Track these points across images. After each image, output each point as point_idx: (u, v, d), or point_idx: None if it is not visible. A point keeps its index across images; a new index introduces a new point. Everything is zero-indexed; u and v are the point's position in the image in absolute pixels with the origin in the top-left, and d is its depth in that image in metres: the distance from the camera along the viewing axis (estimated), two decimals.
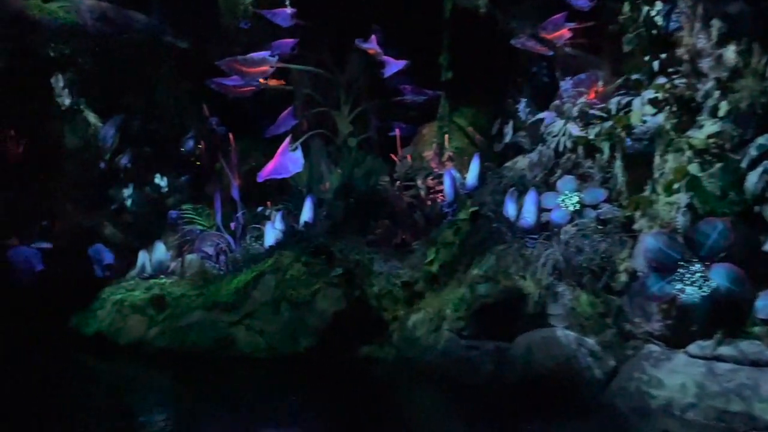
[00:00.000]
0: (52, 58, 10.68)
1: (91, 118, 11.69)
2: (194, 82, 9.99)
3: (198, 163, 11.43)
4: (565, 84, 6.07)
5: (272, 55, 7.30)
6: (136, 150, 11.83)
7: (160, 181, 11.77)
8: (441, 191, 6.91)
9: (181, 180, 11.93)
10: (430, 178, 6.96)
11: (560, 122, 5.65)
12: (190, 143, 11.92)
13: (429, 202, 6.88)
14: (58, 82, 11.10)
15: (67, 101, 11.38)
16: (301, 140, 7.59)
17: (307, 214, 6.79)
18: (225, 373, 5.96)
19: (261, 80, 7.79)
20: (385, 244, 6.50)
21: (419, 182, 6.96)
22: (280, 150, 7.45)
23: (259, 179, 7.37)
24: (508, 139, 6.43)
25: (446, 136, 7.32)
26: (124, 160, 11.81)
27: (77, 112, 11.56)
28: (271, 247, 6.75)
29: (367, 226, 6.58)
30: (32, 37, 9.18)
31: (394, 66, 7.40)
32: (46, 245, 8.85)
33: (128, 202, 11.75)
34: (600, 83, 6.02)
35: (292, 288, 6.15)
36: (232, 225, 7.45)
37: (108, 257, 8.41)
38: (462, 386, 5.16)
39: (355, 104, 8.02)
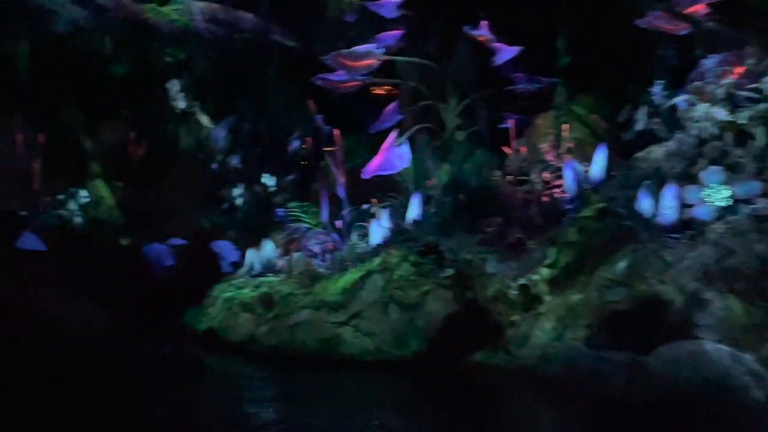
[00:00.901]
0: (168, 63, 11.00)
1: (204, 120, 12.00)
2: (300, 80, 9.90)
3: (304, 161, 11.47)
4: (708, 63, 5.27)
5: (378, 48, 6.93)
6: (246, 151, 12.07)
7: (269, 180, 11.95)
8: (559, 186, 6.27)
9: (287, 179, 12.03)
10: (547, 171, 6.33)
11: (703, 106, 4.88)
12: (296, 143, 11.99)
13: (546, 198, 6.26)
14: (173, 86, 11.45)
15: (182, 105, 11.72)
16: (406, 135, 7.20)
17: (414, 211, 6.39)
18: (333, 374, 5.68)
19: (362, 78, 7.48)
20: (498, 243, 5.97)
21: (534, 176, 6.36)
22: (385, 145, 7.11)
23: (365, 176, 7.07)
24: (640, 126, 5.69)
25: (564, 125, 6.66)
26: (234, 161, 12.07)
27: (191, 115, 11.89)
28: (377, 245, 6.41)
29: (479, 224, 6.06)
30: (150, 41, 9.38)
31: (506, 53, 6.85)
32: (181, 242, 9.02)
33: (238, 201, 11.99)
34: (749, 61, 5.18)
35: (400, 289, 5.78)
36: (338, 223, 7.19)
37: (233, 254, 8.40)
38: (589, 402, 4.55)
39: (463, 96, 7.52)
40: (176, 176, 11.98)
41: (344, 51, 6.80)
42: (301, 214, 8.03)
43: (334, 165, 7.33)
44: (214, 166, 12.04)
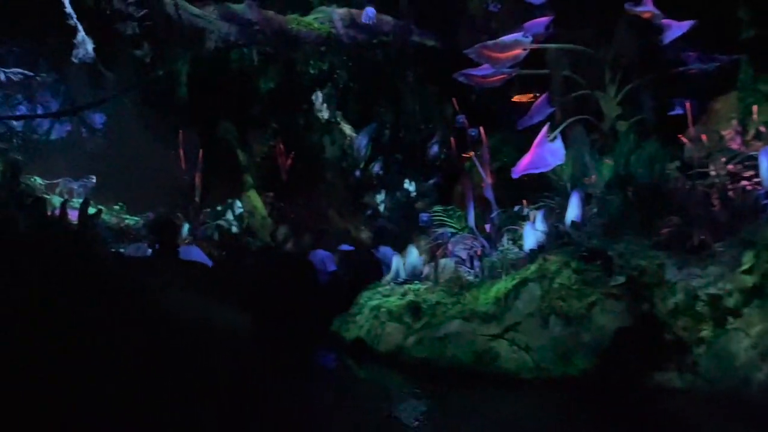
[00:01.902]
0: (312, 75, 11.12)
1: (347, 129, 12.02)
2: (441, 80, 9.50)
3: (445, 164, 11.05)
4: None
5: (525, 37, 6.28)
6: (387, 157, 11.94)
7: (409, 185, 11.70)
8: (748, 177, 5.24)
9: (429, 183, 11.68)
10: (733, 161, 5.32)
11: None
12: (435, 148, 11.63)
13: (733, 193, 5.25)
14: (318, 97, 11.57)
15: (326, 115, 11.82)
16: (560, 128, 6.47)
17: (574, 211, 5.66)
18: (487, 391, 5.12)
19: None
20: (677, 246, 5.08)
21: (717, 168, 5.37)
22: (536, 141, 6.44)
23: (514, 175, 6.44)
24: None
25: (753, 108, 5.59)
26: (376, 168, 11.97)
27: (334, 124, 11.96)
28: (532, 250, 5.75)
29: (652, 225, 5.20)
30: (294, 53, 9.44)
31: (675, 29, 5.91)
32: (348, 248, 8.98)
33: (381, 208, 11.84)
34: None
35: (561, 299, 5.09)
36: (487, 227, 6.62)
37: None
38: None
39: (625, 81, 6.64)
40: (321, 185, 12.12)
41: (489, 42, 6.24)
42: (446, 218, 7.56)
43: (480, 165, 6.76)
44: (357, 173, 12.04)
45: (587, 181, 6.38)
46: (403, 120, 11.96)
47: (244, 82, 10.78)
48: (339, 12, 8.33)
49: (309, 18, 8.46)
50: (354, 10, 8.41)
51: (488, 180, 6.61)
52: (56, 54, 9.56)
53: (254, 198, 12.02)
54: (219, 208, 11.92)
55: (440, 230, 7.47)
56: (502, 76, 6.70)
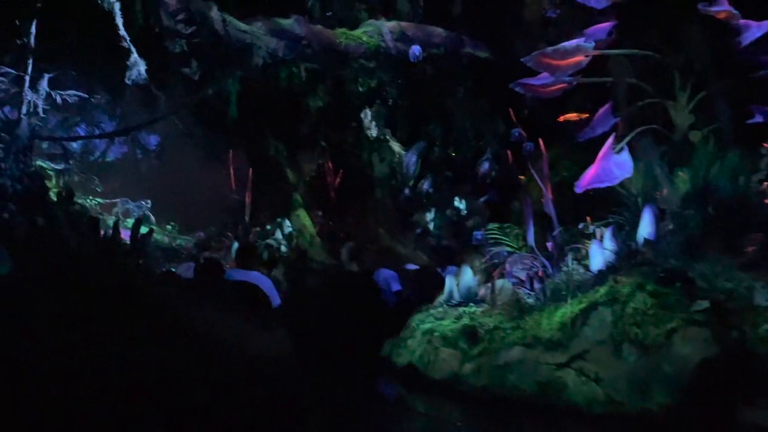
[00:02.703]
0: (361, 93, 10.93)
1: (396, 147, 11.78)
2: (493, 94, 9.13)
3: (497, 181, 10.66)
4: None
5: (587, 42, 5.83)
6: (436, 175, 11.64)
7: (460, 203, 11.34)
8: None
9: (479, 201, 11.29)
10: None
11: None
12: (486, 164, 11.23)
13: None
14: (366, 114, 11.38)
15: (375, 132, 11.60)
16: (627, 139, 5.96)
17: (647, 228, 5.14)
18: (554, 425, 4.62)
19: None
20: (765, 266, 4.49)
21: None
22: (601, 153, 5.95)
23: (578, 190, 5.95)
24: None
25: None
26: (425, 186, 11.69)
27: (383, 142, 11.73)
28: (600, 271, 5.24)
29: (736, 243, 4.64)
30: (343, 68, 9.24)
31: (755, 30, 5.37)
32: (413, 267, 8.66)
33: (431, 226, 11.53)
34: None
35: (636, 325, 4.57)
36: (548, 245, 6.13)
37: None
38: None
39: (697, 88, 6.09)
40: (370, 203, 11.92)
41: (548, 49, 5.81)
42: (502, 237, 7.11)
43: (539, 179, 6.30)
44: (406, 191, 11.80)
45: (658, 195, 5.83)
46: (453, 136, 11.68)
47: (293, 100, 10.69)
48: (388, 25, 8.05)
49: (358, 32, 8.23)
50: (404, 23, 8.12)
51: (548, 195, 6.12)
52: (110, 76, 9.63)
53: (303, 217, 11.90)
54: (268, 227, 11.83)
55: (496, 249, 7.02)
56: (562, 85, 6.25)
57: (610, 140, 5.95)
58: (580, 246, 5.81)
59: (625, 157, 5.86)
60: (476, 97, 10.59)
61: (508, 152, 7.56)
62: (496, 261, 6.69)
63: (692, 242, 4.81)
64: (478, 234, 7.69)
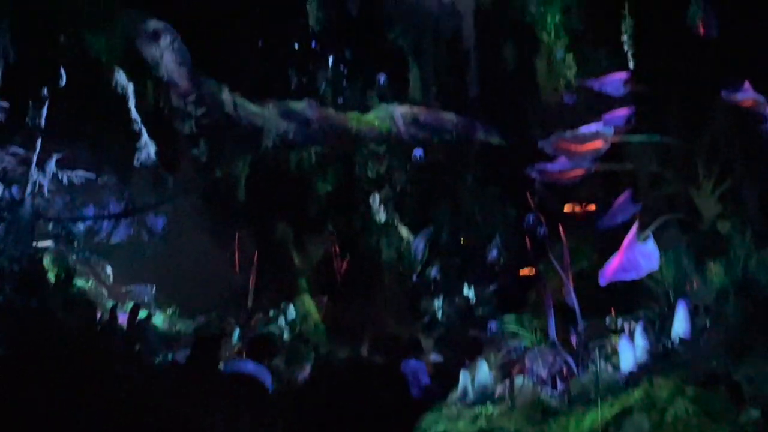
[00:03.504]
0: (370, 178, 10.83)
1: (404, 232, 11.56)
2: (505, 178, 8.93)
3: (505, 269, 10.37)
4: None
5: (606, 128, 5.62)
6: (445, 261, 11.35)
7: (468, 291, 10.98)
8: None
9: (488, 290, 10.89)
10: None
11: None
12: (495, 252, 10.98)
13: None
14: (375, 199, 11.24)
15: (383, 217, 11.42)
16: (652, 228, 5.61)
17: (682, 325, 4.69)
18: None
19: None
20: None
21: None
22: (625, 242, 5.58)
23: (602, 281, 5.54)
24: None
25: None
26: (433, 272, 11.39)
27: (391, 227, 11.52)
28: (632, 372, 4.72)
29: None
30: (354, 152, 9.15)
31: None
32: (438, 358, 8.14)
33: (439, 314, 11.11)
34: None
35: None
36: (572, 340, 5.63)
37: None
38: None
39: (722, 176, 5.80)
40: (378, 289, 11.56)
41: (567, 134, 5.59)
42: (519, 329, 6.60)
43: (560, 268, 5.89)
44: (414, 277, 11.48)
45: (688, 288, 5.40)
46: (462, 222, 11.48)
47: (303, 184, 10.58)
48: (400, 110, 7.96)
49: (370, 116, 8.13)
50: (416, 108, 8.02)
51: (570, 285, 5.69)
52: (119, 156, 9.56)
53: (308, 302, 11.50)
54: (271, 312, 11.39)
55: (513, 342, 6.50)
56: (580, 172, 5.97)
57: (634, 229, 5.60)
58: (606, 342, 5.31)
59: (651, 247, 5.49)
60: (486, 183, 10.45)
61: (526, 238, 7.19)
62: (514, 356, 6.16)
63: (733, 341, 4.33)
64: (492, 325, 7.20)
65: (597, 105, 6.29)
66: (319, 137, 7.48)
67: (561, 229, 6.28)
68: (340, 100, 9.29)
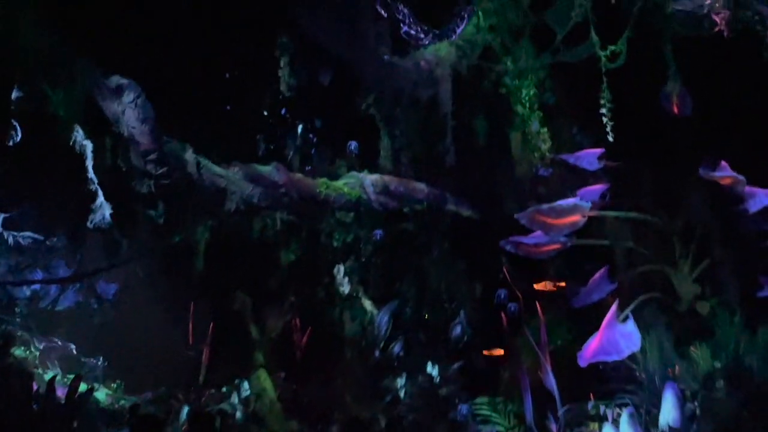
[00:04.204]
0: (335, 248, 10.51)
1: (367, 305, 11.17)
2: (474, 252, 8.68)
3: (468, 347, 10.06)
4: None
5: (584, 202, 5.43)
6: (408, 337, 10.96)
7: (432, 369, 10.57)
8: None
9: (453, 368, 10.52)
10: None
11: None
12: (458, 329, 10.73)
13: None
14: (339, 270, 10.89)
15: (347, 289, 11.05)
16: (630, 308, 5.35)
17: (671, 412, 4.33)
18: None
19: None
20: None
21: None
22: (605, 322, 5.31)
23: (582, 363, 5.20)
24: None
25: None
26: (396, 348, 10.98)
27: (355, 299, 11.14)
28: None
29: None
30: (322, 218, 8.86)
31: (763, 198, 5.01)
32: None
33: (401, 393, 10.61)
34: None
35: None
36: (553, 427, 5.20)
37: None
38: None
39: (700, 256, 5.62)
40: (338, 365, 11.02)
41: (544, 206, 5.38)
42: (492, 414, 6.14)
43: (537, 348, 5.53)
44: (377, 353, 10.97)
45: (670, 372, 5.09)
46: (427, 296, 11.15)
47: (265, 252, 10.16)
48: (371, 178, 7.73)
49: (339, 183, 7.86)
50: (386, 177, 7.80)
51: (548, 366, 5.32)
52: (71, 218, 9.04)
53: (263, 378, 10.81)
54: (224, 389, 10.64)
55: (486, 428, 6.02)
56: (556, 246, 5.73)
57: (614, 309, 5.33)
58: (588, 429, 4.90)
59: (631, 327, 5.22)
60: (453, 257, 10.22)
61: (501, 314, 6.84)
62: None
63: (727, 430, 3.97)
64: (463, 408, 6.70)
65: (572, 180, 6.14)
66: (285, 202, 7.13)
67: (538, 305, 5.97)
68: (307, 168, 9.05)
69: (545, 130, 6.16)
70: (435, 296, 10.99)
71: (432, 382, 10.50)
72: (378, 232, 8.87)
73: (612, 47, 5.23)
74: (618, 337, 5.24)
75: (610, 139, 5.37)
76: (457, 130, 6.28)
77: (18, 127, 7.52)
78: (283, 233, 9.88)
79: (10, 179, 8.06)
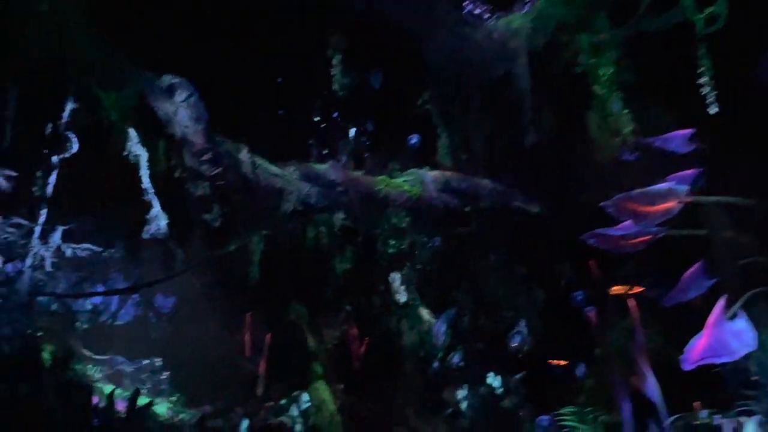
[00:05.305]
0: (390, 255, 10.17)
1: (425, 314, 10.79)
2: (542, 251, 8.04)
3: (529, 357, 9.51)
4: None
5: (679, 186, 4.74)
6: (467, 347, 10.51)
7: (494, 380, 10.11)
8: None
9: (515, 378, 10.05)
10: None
11: None
12: (517, 338, 10.25)
13: None
14: (395, 278, 10.56)
15: (403, 297, 10.72)
16: (739, 304, 4.61)
17: None
18: None
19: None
20: None
21: None
22: (711, 321, 4.59)
23: (687, 366, 4.50)
24: None
25: None
26: (455, 359, 10.55)
27: (412, 308, 10.76)
28: None
29: None
30: (375, 228, 8.43)
31: None
32: None
33: (463, 406, 10.17)
34: None
35: None
36: None
37: None
38: None
39: None
40: (398, 376, 10.60)
41: (634, 192, 4.70)
42: (579, 425, 5.45)
43: (637, 351, 4.83)
44: (436, 364, 10.55)
45: None
46: (486, 304, 10.65)
47: (319, 261, 9.85)
48: (432, 174, 7.21)
49: (399, 179, 7.37)
50: (448, 173, 7.26)
51: (648, 371, 4.62)
52: (127, 229, 8.88)
53: (322, 390, 10.49)
54: (283, 401, 10.37)
55: None
56: (647, 237, 5.03)
57: (721, 305, 4.61)
58: None
59: (743, 325, 4.49)
60: (514, 260, 9.65)
61: (587, 316, 6.16)
62: None
63: None
64: (544, 420, 6.03)
65: (660, 165, 5.44)
66: (344, 202, 6.68)
67: (631, 303, 5.27)
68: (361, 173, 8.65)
69: (627, 111, 5.51)
70: (493, 304, 10.47)
71: (494, 393, 9.93)
72: (436, 239, 8.42)
73: (709, 9, 4.58)
74: (728, 336, 4.53)
75: (714, 111, 4.68)
76: (532, 113, 5.69)
77: (74, 139, 7.39)
78: (338, 240, 9.59)
79: (68, 191, 7.92)
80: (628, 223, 5.04)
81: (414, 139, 7.33)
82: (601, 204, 4.88)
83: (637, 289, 6.35)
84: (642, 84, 5.36)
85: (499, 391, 9.84)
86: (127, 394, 8.48)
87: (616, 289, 6.44)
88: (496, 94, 5.88)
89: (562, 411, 5.74)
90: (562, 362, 8.43)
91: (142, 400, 7.75)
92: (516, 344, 10.09)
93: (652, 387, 4.71)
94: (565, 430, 5.49)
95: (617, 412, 4.87)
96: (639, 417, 4.76)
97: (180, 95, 5.59)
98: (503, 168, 6.82)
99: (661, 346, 5.26)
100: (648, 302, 6.04)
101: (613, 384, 5.05)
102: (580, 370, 7.48)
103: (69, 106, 7.11)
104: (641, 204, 4.86)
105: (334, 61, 7.47)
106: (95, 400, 7.78)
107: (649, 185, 5.27)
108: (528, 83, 5.40)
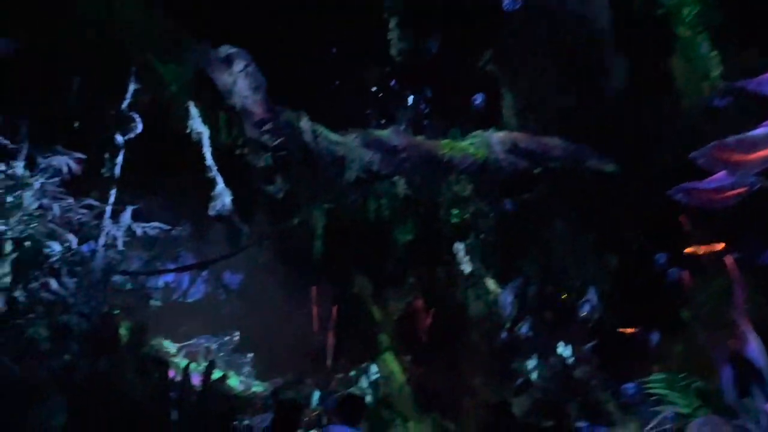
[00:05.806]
0: (454, 225, 9.92)
1: (491, 284, 10.50)
2: (609, 215, 7.56)
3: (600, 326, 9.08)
4: None
5: None
6: (535, 317, 10.19)
7: (564, 350, 9.77)
8: None
9: (586, 348, 9.65)
10: None
11: None
12: (587, 307, 9.82)
13: None
14: (459, 248, 10.30)
15: (468, 268, 10.45)
16: None
17: None
18: None
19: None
20: None
21: None
22: None
23: None
24: None
25: None
26: (524, 329, 10.26)
27: (478, 278, 10.49)
28: None
29: None
30: (438, 196, 8.15)
31: None
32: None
33: (534, 375, 9.89)
34: None
35: None
36: (760, 406, 4.08)
37: None
38: None
39: None
40: (465, 347, 10.40)
41: (729, 140, 4.22)
42: (667, 392, 5.07)
43: (736, 313, 4.39)
44: (504, 334, 10.31)
45: None
46: (552, 275, 10.28)
47: (381, 233, 9.68)
48: (498, 136, 6.82)
49: (464, 143, 7.03)
50: (516, 134, 6.86)
51: (751, 334, 4.19)
52: (193, 206, 8.97)
53: (390, 362, 10.41)
54: (352, 373, 10.36)
55: (662, 409, 4.96)
56: (742, 189, 4.54)
57: None
58: None
59: None
60: (585, 226, 9.19)
61: (679, 278, 5.71)
62: (670, 428, 4.62)
63: None
64: (630, 387, 5.68)
65: (754, 110, 4.90)
66: (407, 168, 6.42)
67: (729, 261, 4.81)
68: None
69: (715, 53, 4.94)
70: (562, 272, 10.11)
71: (565, 363, 9.62)
72: (508, 204, 8.04)
73: None
74: None
75: None
76: (602, 63, 5.18)
77: (138, 120, 7.44)
78: (400, 211, 9.39)
79: (135, 171, 8.02)
80: (721, 174, 4.57)
81: (479, 98, 6.95)
82: (691, 155, 4.42)
83: (718, 246, 5.86)
84: (730, 23, 4.80)
85: (571, 360, 9.54)
86: (201, 368, 8.63)
87: (707, 248, 5.95)
88: (568, 41, 5.38)
89: (650, 378, 5.37)
90: (632, 330, 8.06)
91: (217, 374, 7.83)
92: (585, 313, 9.78)
93: (754, 349, 4.27)
94: (654, 398, 5.11)
95: (713, 377, 4.47)
96: (740, 382, 4.35)
97: (238, 65, 5.46)
98: (575, 124, 6.33)
99: (760, 306, 4.80)
100: (742, 261, 5.55)
101: (708, 348, 4.64)
102: (655, 337, 7.12)
103: (131, 88, 7.14)
104: (737, 152, 4.38)
105: (391, 24, 7.17)
106: (171, 374, 7.93)
107: (743, 133, 4.76)
108: (606, 25, 4.90)
